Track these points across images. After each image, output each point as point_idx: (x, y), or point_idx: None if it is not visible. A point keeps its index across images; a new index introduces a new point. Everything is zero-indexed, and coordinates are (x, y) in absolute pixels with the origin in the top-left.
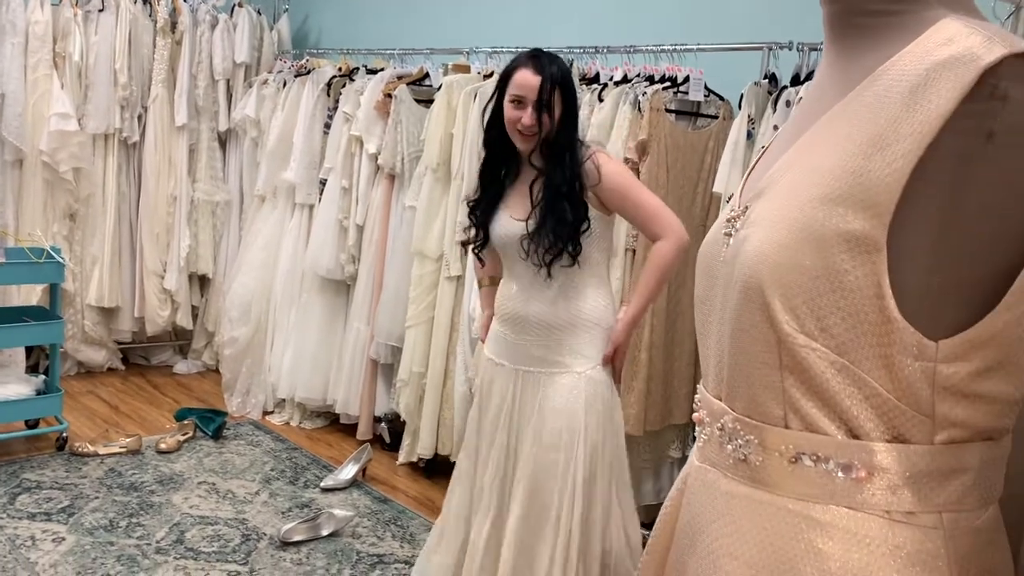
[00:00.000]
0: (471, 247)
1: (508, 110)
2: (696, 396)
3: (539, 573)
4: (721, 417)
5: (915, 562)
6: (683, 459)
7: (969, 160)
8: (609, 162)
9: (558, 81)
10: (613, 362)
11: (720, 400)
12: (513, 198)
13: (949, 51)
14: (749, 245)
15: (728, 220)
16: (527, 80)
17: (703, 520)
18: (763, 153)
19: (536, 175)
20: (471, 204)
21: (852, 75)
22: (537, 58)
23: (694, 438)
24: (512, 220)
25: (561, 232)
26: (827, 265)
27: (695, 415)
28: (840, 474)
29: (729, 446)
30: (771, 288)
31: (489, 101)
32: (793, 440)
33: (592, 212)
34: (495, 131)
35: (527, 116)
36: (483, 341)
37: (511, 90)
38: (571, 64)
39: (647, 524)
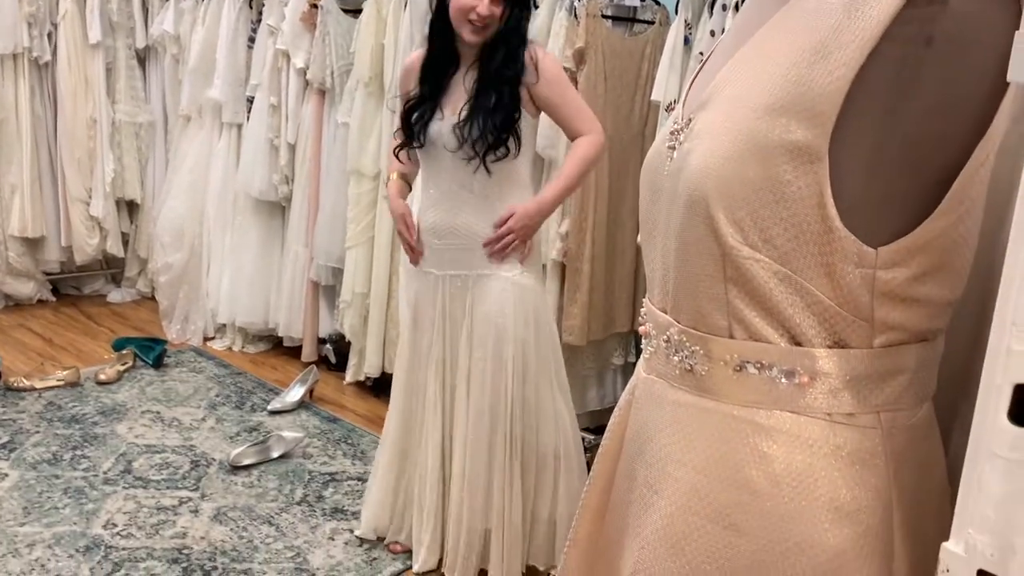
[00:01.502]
0: (394, 149)
1: (460, 0)
2: (642, 309)
3: (492, 475)
4: (667, 329)
5: (854, 461)
6: (626, 366)
7: (909, 67)
8: (547, 58)
9: None
10: (505, 230)
11: (666, 313)
12: (448, 100)
13: None
14: (693, 158)
15: (671, 133)
16: None
17: (651, 429)
18: (704, 63)
19: (476, 64)
20: (408, 105)
21: None
22: None
23: (637, 346)
24: (443, 118)
25: (496, 119)
26: (770, 176)
27: (641, 328)
28: (783, 380)
29: (675, 357)
30: (715, 201)
31: None
32: (738, 349)
33: (522, 108)
34: (440, 24)
35: (483, 6)
36: (400, 232)
37: None
38: None
39: (593, 429)
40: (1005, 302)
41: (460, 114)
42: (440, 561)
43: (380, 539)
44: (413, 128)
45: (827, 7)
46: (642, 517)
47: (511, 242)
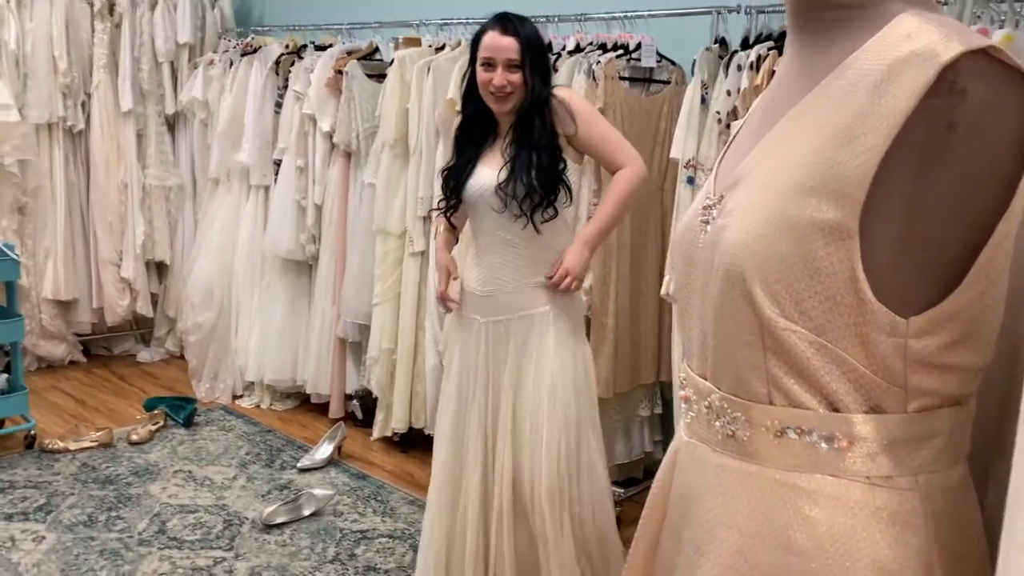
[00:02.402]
0: (442, 211)
1: (480, 74)
2: (680, 375)
3: (533, 516)
4: (708, 396)
5: (895, 521)
6: (652, 417)
7: (932, 151)
8: (573, 97)
9: (526, 40)
10: (561, 274)
11: (706, 379)
12: (487, 162)
13: (909, 47)
14: (728, 234)
15: (704, 208)
16: (496, 42)
17: (696, 492)
18: (732, 140)
19: (512, 133)
20: (445, 171)
21: (818, 67)
22: (504, 19)
23: (663, 397)
24: (484, 171)
25: (540, 177)
26: (804, 252)
27: (680, 393)
28: (823, 445)
29: (717, 423)
30: (752, 276)
31: (466, 71)
32: (778, 415)
33: (565, 156)
34: (471, 99)
35: (497, 77)
36: (443, 296)
37: (481, 53)
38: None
39: (620, 483)
40: None
41: (500, 174)
42: None
43: None
44: (451, 185)
45: (853, 93)
46: None
47: (570, 283)
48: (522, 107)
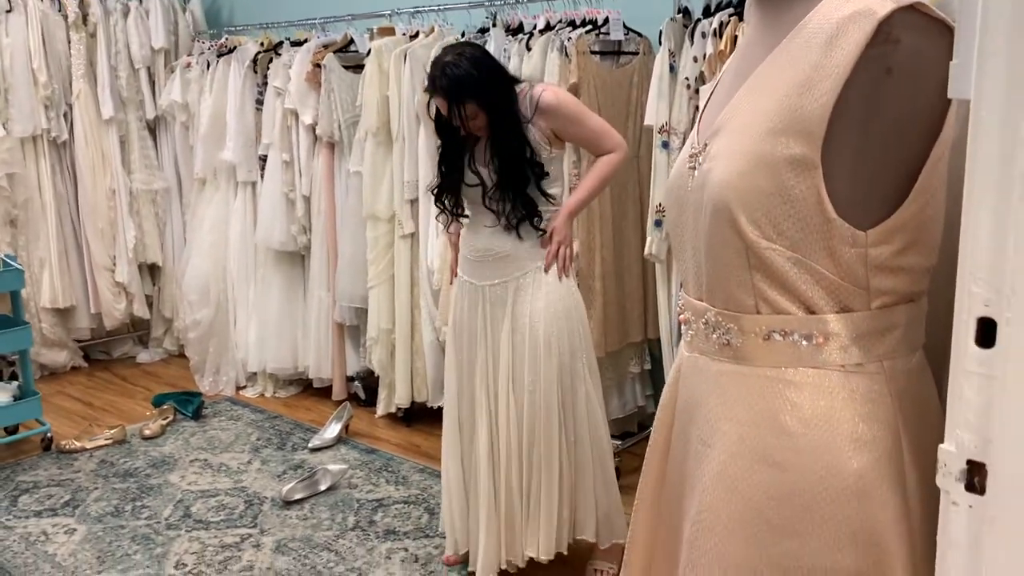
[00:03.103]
0: (448, 224)
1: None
2: (679, 302)
3: (531, 452)
4: (704, 314)
5: (867, 400)
6: (642, 373)
7: (875, 92)
8: (557, 90)
9: (466, 89)
10: (550, 246)
11: (702, 300)
12: (474, 164)
13: (852, 7)
14: (714, 175)
15: (691, 156)
16: (441, 104)
17: (699, 396)
18: (710, 97)
19: (488, 137)
20: (435, 192)
21: (777, 30)
22: (434, 80)
23: (651, 355)
24: (474, 183)
25: (520, 191)
26: (778, 184)
27: (680, 316)
28: (804, 342)
29: (714, 335)
30: (736, 207)
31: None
32: (764, 322)
33: (544, 148)
34: (443, 124)
35: (461, 126)
36: (453, 277)
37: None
38: (494, 17)
39: (616, 436)
40: (964, 257)
41: (487, 179)
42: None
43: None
44: (453, 203)
45: (808, 49)
46: (699, 468)
47: (565, 252)
48: (492, 122)
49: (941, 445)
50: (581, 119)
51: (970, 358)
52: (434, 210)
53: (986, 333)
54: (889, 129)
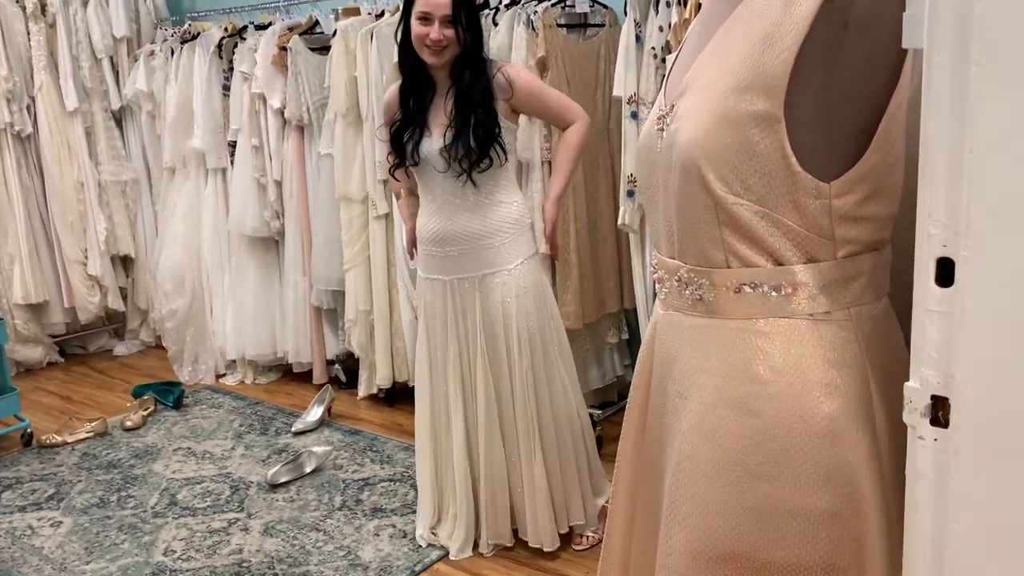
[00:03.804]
0: (388, 169)
1: (416, 27)
2: (652, 261)
3: (508, 443)
4: (677, 271)
5: (835, 346)
6: (620, 343)
7: (833, 46)
8: (518, 72)
9: None
10: (552, 237)
11: (674, 259)
12: (431, 123)
13: None
14: (681, 134)
15: (659, 118)
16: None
17: (674, 351)
18: (675, 59)
19: (451, 89)
20: (395, 129)
21: None
22: None
23: (628, 325)
24: (430, 141)
25: (478, 137)
26: (743, 139)
27: (654, 275)
28: (773, 294)
29: (687, 291)
30: (704, 164)
31: (397, 28)
32: (735, 276)
33: (502, 120)
34: (406, 54)
35: (434, 31)
36: (409, 253)
37: (418, 8)
38: None
39: (598, 405)
40: (923, 200)
41: (445, 137)
42: (476, 544)
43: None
44: (405, 149)
45: (768, 7)
46: (677, 421)
47: (557, 236)
48: (457, 62)
49: (906, 383)
50: (540, 94)
51: (931, 297)
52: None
53: (945, 273)
54: (849, 82)
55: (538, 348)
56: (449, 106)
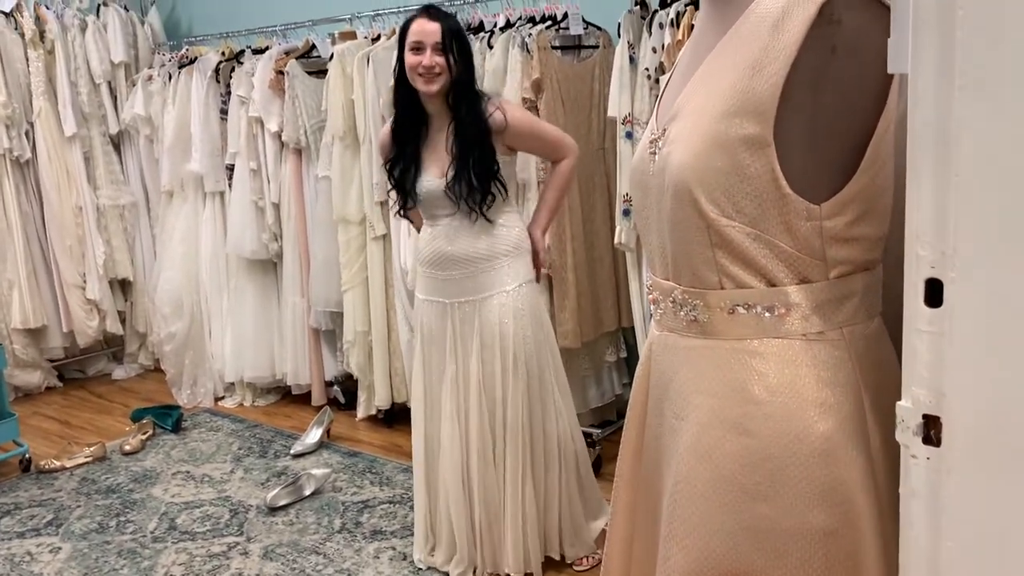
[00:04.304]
0: (398, 211)
1: (409, 58)
2: (647, 283)
3: (500, 466)
4: (671, 293)
5: (829, 366)
6: (618, 362)
7: (821, 70)
8: (513, 109)
9: (453, 28)
10: (537, 260)
11: (669, 280)
12: (429, 160)
13: None
14: (673, 158)
15: (651, 142)
16: (424, 27)
17: (670, 372)
18: (667, 84)
19: (447, 128)
20: (388, 165)
21: (727, 16)
22: (430, 8)
23: (626, 343)
24: (432, 179)
25: (478, 174)
26: (734, 163)
27: (649, 297)
28: (767, 314)
29: (681, 312)
30: (696, 187)
31: (396, 62)
32: (728, 297)
33: (499, 156)
34: (402, 88)
35: (426, 58)
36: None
37: (410, 39)
38: (455, 16)
39: (596, 424)
40: (911, 222)
41: (447, 175)
42: (475, 570)
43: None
44: (404, 189)
45: (757, 32)
46: (674, 441)
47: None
48: (451, 93)
49: (899, 402)
50: (534, 132)
51: (920, 317)
52: None
53: (933, 293)
54: (837, 105)
55: (534, 371)
56: (449, 142)
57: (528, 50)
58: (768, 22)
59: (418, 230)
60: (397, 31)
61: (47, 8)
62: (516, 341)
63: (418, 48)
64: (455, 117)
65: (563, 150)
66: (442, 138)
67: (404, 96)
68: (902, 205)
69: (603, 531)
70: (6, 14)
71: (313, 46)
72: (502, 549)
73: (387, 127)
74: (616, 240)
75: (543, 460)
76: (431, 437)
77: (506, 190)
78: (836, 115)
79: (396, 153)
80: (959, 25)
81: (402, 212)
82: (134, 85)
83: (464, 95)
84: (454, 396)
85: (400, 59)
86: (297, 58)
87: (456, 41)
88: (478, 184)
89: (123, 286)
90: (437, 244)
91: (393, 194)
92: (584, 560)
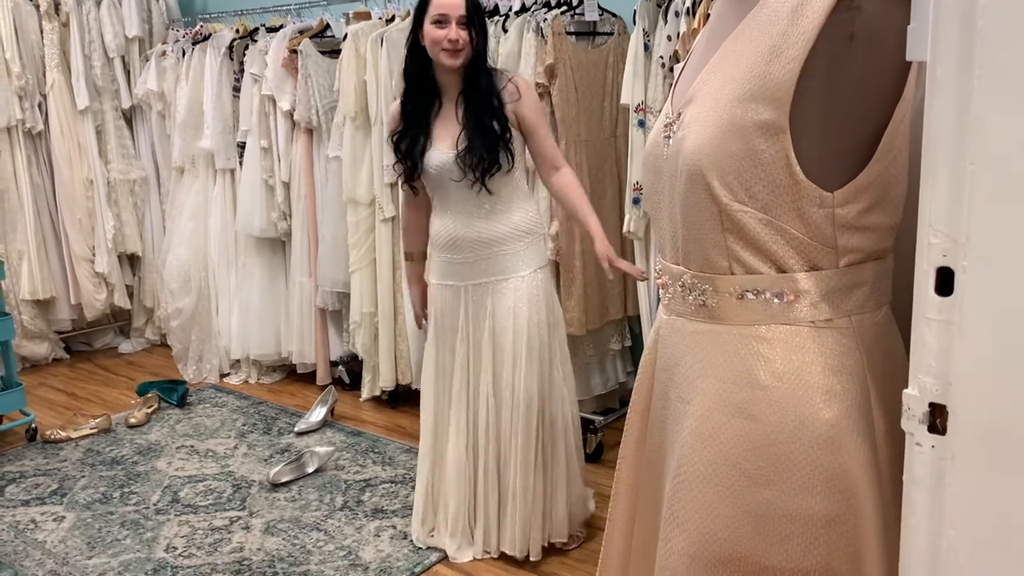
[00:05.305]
0: (401, 179)
1: (432, 31)
2: (657, 267)
3: (506, 449)
4: (681, 277)
5: (836, 354)
6: (623, 350)
7: (839, 57)
8: (528, 85)
9: (476, 2)
10: (614, 262)
11: (678, 264)
12: (439, 132)
13: None
14: (687, 142)
15: (665, 125)
16: (449, 0)
17: (677, 356)
18: (683, 69)
19: (462, 94)
20: (395, 137)
21: (745, 3)
22: None
23: (631, 331)
24: (443, 151)
25: (490, 143)
26: (748, 148)
27: (658, 281)
28: (776, 300)
29: (690, 296)
30: (709, 171)
31: (411, 34)
32: (738, 282)
33: (511, 127)
34: (415, 61)
35: (452, 32)
36: (418, 321)
37: (433, 12)
38: None
39: (599, 412)
40: (924, 210)
41: (458, 145)
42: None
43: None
44: (408, 160)
45: (775, 17)
46: (679, 425)
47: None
48: (468, 66)
49: (905, 390)
50: (540, 116)
51: (930, 306)
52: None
53: (944, 282)
54: (853, 93)
55: (545, 357)
56: (460, 112)
57: (543, 35)
58: (787, 8)
59: (408, 257)
60: (412, 11)
61: None
62: (530, 326)
63: (442, 21)
64: (469, 87)
65: (558, 158)
66: (452, 110)
67: (416, 68)
68: (915, 196)
69: (591, 514)
70: None
71: (327, 26)
72: (504, 530)
73: (395, 103)
74: (625, 228)
75: (551, 445)
76: (440, 416)
77: (513, 159)
78: (852, 103)
79: (405, 125)
80: (980, 14)
81: (403, 183)
82: (147, 60)
83: (480, 67)
84: (464, 378)
85: (414, 31)
86: (311, 37)
87: (478, 15)
88: (487, 152)
89: (132, 260)
90: (452, 228)
91: (398, 167)
92: (571, 539)
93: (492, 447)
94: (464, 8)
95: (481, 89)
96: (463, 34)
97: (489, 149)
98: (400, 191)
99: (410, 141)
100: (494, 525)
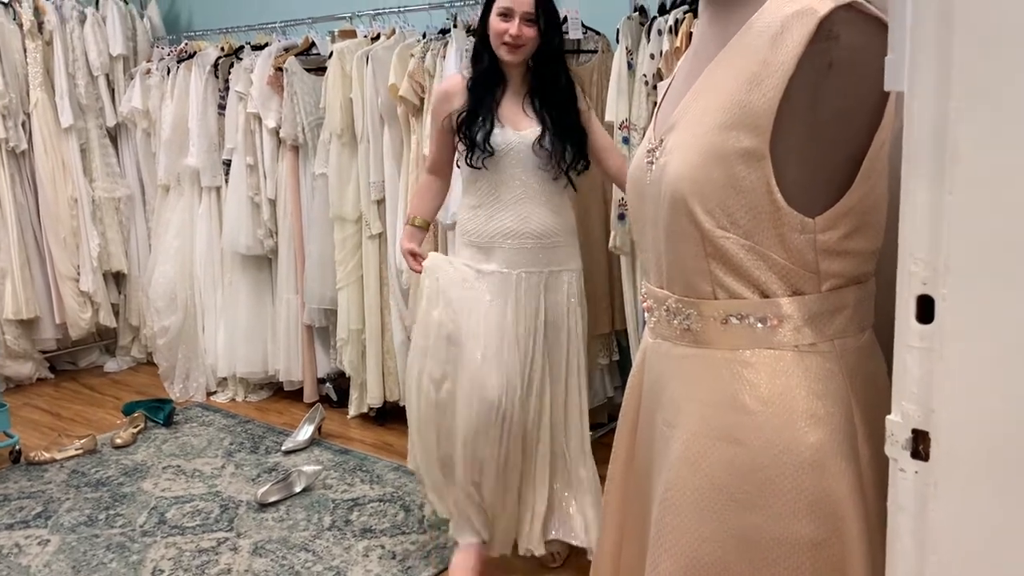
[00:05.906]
0: (471, 159)
1: (496, 23)
2: (642, 291)
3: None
4: (666, 301)
5: (820, 378)
6: (611, 365)
7: (818, 85)
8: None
9: None
10: None
11: (663, 288)
12: (508, 117)
13: (795, 6)
14: (670, 168)
15: (648, 151)
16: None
17: (663, 380)
18: (665, 94)
19: (530, 88)
20: (460, 119)
21: (727, 28)
22: None
23: (619, 346)
24: (518, 133)
25: (575, 138)
26: (730, 175)
27: (644, 304)
28: (759, 325)
29: (675, 321)
30: (692, 198)
31: (480, 21)
32: (722, 307)
33: None
34: (483, 48)
35: (514, 27)
36: (413, 261)
37: (499, 3)
38: (455, 18)
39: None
40: (904, 239)
41: (540, 132)
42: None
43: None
44: (476, 137)
45: (755, 46)
46: (665, 449)
47: None
48: (536, 61)
49: (888, 416)
50: (592, 115)
51: (912, 333)
52: (401, 209)
53: (925, 309)
54: (833, 120)
55: (583, 361)
56: (527, 104)
57: None
58: (767, 36)
59: (411, 221)
60: (397, 31)
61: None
62: (580, 327)
63: (507, 14)
64: (542, 83)
65: (616, 151)
66: (519, 100)
67: (484, 56)
68: (896, 221)
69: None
70: (4, 4)
71: (313, 44)
72: (520, 523)
73: (454, 80)
74: (611, 244)
75: (578, 450)
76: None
77: (587, 160)
78: (832, 130)
79: (472, 106)
80: (956, 45)
81: (469, 162)
82: (132, 78)
83: (556, 65)
84: (526, 359)
85: (484, 18)
86: (296, 55)
87: (545, 11)
88: (573, 146)
89: (117, 279)
90: (509, 217)
91: (460, 146)
92: (555, 556)
93: (530, 443)
94: (531, 5)
95: (560, 86)
96: (526, 31)
97: (575, 144)
98: (387, 206)
99: (478, 122)
100: (513, 514)
